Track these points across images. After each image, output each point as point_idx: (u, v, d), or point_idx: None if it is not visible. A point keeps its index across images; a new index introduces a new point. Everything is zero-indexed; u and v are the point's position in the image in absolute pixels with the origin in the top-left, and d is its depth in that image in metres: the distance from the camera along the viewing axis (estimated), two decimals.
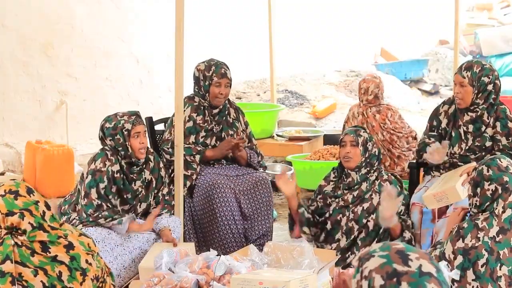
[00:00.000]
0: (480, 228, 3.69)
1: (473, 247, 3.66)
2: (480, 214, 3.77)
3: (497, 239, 3.68)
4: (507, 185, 3.73)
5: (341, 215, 4.95)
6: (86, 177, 4.81)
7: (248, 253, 4.47)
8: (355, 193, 4.95)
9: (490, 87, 5.11)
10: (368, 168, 4.96)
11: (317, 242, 4.96)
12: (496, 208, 3.72)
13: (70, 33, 8.50)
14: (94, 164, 4.82)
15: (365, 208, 4.92)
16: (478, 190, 3.77)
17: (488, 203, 3.74)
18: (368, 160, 4.96)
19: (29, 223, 3.53)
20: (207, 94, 5.60)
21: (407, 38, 13.20)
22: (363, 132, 5.00)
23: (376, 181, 4.96)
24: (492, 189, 3.74)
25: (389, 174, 5.05)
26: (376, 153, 5.00)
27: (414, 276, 2.22)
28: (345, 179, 4.99)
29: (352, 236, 4.91)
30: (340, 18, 12.18)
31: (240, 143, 5.60)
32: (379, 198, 4.88)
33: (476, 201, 3.79)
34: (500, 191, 3.72)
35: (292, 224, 5.07)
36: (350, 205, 4.93)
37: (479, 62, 5.21)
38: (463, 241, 3.69)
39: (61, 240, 3.59)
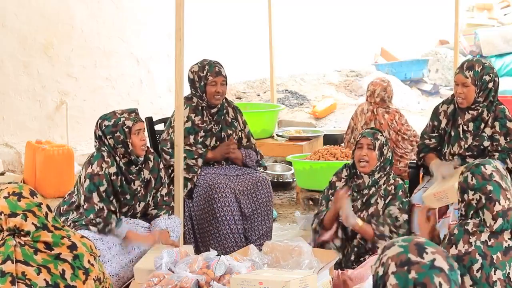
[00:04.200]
0: (471, 233, 3.63)
1: (466, 253, 3.61)
2: (468, 219, 3.69)
3: (489, 243, 3.61)
4: (491, 195, 3.61)
5: None
6: (84, 181, 4.76)
7: (248, 253, 4.47)
8: (364, 199, 4.91)
9: (490, 85, 5.12)
10: (381, 173, 4.93)
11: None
12: (483, 218, 3.65)
13: (70, 33, 8.50)
14: (91, 167, 4.75)
15: (370, 213, 4.88)
16: (465, 197, 3.68)
17: (472, 211, 3.65)
18: (382, 165, 4.92)
19: (32, 223, 3.55)
20: (204, 94, 5.60)
21: (407, 38, 13.20)
22: (380, 135, 4.94)
23: (382, 185, 4.93)
24: (476, 199, 3.64)
25: (396, 178, 4.99)
26: (390, 157, 4.96)
27: (424, 267, 2.37)
28: (356, 180, 4.96)
29: (355, 240, 4.89)
30: (340, 18, 12.18)
31: (231, 146, 5.61)
32: (384, 203, 4.87)
33: (462, 208, 3.71)
34: (484, 201, 3.62)
35: (317, 230, 4.97)
36: (358, 212, 4.90)
37: (479, 60, 5.21)
38: (456, 248, 3.63)
39: (64, 240, 3.61)
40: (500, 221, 3.60)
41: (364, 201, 4.91)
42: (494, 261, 3.58)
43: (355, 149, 4.95)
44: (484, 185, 3.63)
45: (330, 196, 4.99)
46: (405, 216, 4.88)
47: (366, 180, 4.91)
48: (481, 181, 3.64)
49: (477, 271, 3.57)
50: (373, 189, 4.90)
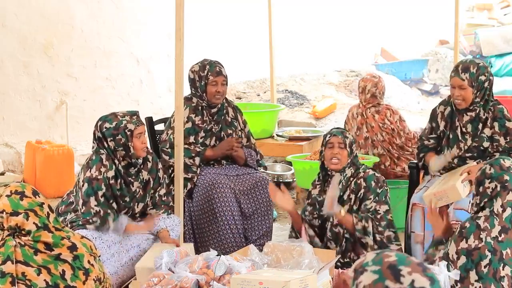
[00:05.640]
0: (482, 229, 3.69)
1: (476, 248, 3.66)
2: (480, 212, 3.76)
3: (500, 238, 3.68)
4: (506, 184, 3.73)
5: (327, 222, 4.94)
6: (83, 185, 4.75)
7: (248, 253, 4.47)
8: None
9: (486, 84, 5.13)
10: (352, 169, 4.95)
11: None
12: (495, 207, 3.72)
13: (70, 33, 8.50)
14: (90, 171, 4.74)
15: (346, 211, 4.89)
16: (481, 188, 3.78)
17: (486, 199, 3.75)
18: (353, 162, 4.96)
19: (33, 223, 3.56)
20: (204, 94, 5.60)
21: (407, 38, 13.20)
22: (348, 134, 5.02)
23: (352, 178, 4.94)
24: (492, 187, 3.74)
25: (366, 170, 4.98)
26: (357, 155, 5.04)
27: None
28: (329, 181, 4.97)
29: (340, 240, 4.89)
30: (340, 18, 12.18)
31: (235, 144, 5.60)
32: (356, 196, 4.88)
33: (477, 199, 3.79)
34: (498, 189, 3.73)
35: (296, 236, 5.03)
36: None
37: (473, 61, 5.21)
38: (466, 242, 3.68)
39: (64, 241, 3.62)
40: (509, 211, 3.68)
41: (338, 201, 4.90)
42: (504, 256, 3.64)
43: (325, 149, 4.97)
44: (502, 174, 3.76)
45: (307, 206, 5.03)
46: (385, 207, 4.87)
47: (338, 178, 4.92)
48: (499, 171, 3.76)
49: (485, 266, 3.62)
50: (342, 183, 4.92)
